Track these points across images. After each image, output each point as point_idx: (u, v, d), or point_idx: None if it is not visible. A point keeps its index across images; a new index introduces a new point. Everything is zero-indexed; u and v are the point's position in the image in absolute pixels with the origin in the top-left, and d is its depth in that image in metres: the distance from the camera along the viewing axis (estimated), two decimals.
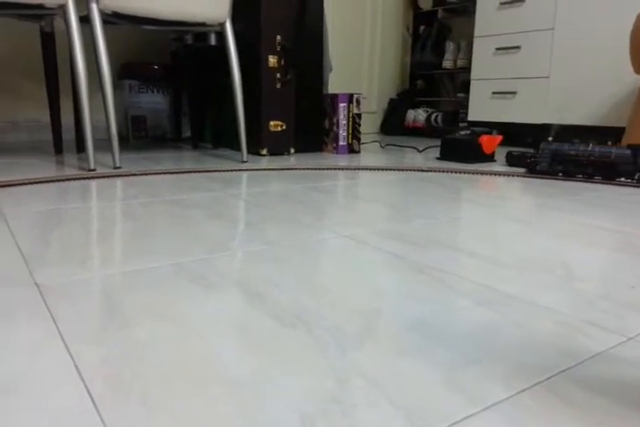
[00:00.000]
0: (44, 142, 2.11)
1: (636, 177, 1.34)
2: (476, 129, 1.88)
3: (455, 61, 2.91)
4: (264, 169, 1.53)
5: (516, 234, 0.83)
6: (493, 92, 2.50)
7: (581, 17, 2.13)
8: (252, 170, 1.51)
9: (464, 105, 2.74)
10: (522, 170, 1.54)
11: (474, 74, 2.58)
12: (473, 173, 1.51)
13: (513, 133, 2.49)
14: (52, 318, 0.48)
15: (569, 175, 1.41)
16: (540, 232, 0.85)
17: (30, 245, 0.71)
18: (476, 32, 2.55)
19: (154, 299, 0.53)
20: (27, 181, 1.19)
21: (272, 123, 1.92)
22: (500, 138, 1.81)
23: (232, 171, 1.48)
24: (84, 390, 0.36)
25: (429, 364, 0.42)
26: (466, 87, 2.73)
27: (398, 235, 0.81)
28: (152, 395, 0.36)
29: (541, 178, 1.45)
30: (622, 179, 1.37)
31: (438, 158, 1.86)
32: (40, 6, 1.40)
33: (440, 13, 3.09)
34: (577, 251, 0.74)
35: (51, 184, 1.20)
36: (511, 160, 1.70)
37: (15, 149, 1.86)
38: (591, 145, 1.38)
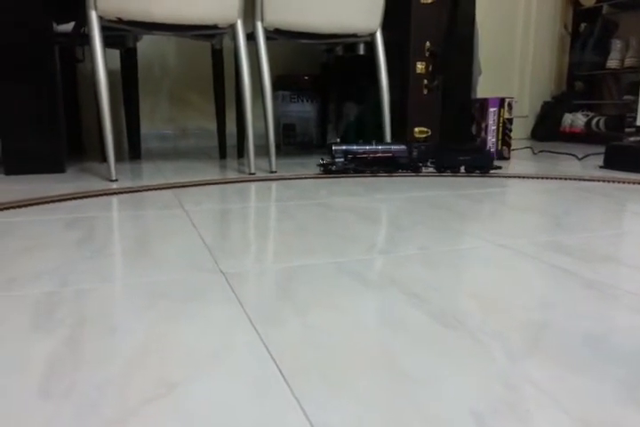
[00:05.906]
0: (209, 148, 2.36)
1: (411, 168, 1.54)
2: None
3: (622, 61, 2.64)
4: (408, 175, 1.54)
5: None
6: None
7: None
8: (397, 176, 1.53)
9: (632, 108, 2.47)
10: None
11: None
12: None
13: None
14: (239, 301, 0.55)
15: (359, 172, 1.51)
16: None
17: (211, 238, 0.81)
18: None
19: (320, 291, 0.58)
20: (200, 183, 1.34)
21: (417, 129, 1.93)
22: None
23: (376, 176, 1.52)
24: (274, 367, 0.41)
25: (606, 380, 0.40)
26: (634, 89, 2.45)
27: (559, 247, 0.77)
28: (332, 375, 0.40)
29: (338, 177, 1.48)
30: (400, 171, 1.53)
31: (602, 167, 1.70)
32: (214, 26, 1.58)
33: (605, 9, 2.82)
34: None
35: (219, 186, 1.34)
36: None
37: (186, 154, 2.11)
38: (374, 143, 1.51)
